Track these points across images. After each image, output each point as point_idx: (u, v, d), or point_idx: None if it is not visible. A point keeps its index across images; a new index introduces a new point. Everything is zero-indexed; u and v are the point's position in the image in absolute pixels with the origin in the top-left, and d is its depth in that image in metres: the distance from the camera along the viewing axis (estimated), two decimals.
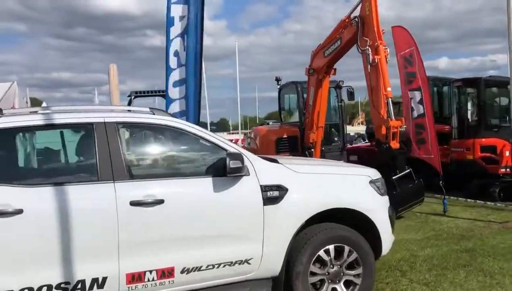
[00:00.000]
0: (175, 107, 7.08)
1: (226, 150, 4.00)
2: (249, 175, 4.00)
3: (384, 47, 7.93)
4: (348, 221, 4.39)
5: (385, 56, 7.89)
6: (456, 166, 10.63)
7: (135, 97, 11.16)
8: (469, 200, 9.57)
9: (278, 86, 12.27)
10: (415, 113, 9.05)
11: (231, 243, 3.95)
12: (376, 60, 7.84)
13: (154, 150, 4.18)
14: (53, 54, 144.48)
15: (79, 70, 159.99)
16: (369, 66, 8.06)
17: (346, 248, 4.28)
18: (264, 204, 4.01)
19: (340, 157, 11.28)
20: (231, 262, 3.93)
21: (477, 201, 9.40)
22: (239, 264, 3.96)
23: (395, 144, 7.78)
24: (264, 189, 4.02)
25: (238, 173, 3.84)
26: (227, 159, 3.78)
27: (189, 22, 6.96)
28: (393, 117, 7.78)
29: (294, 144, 10.88)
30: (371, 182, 4.52)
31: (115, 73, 17.12)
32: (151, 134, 4.15)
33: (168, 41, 7.26)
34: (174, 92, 7.10)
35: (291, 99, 12.12)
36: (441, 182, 8.67)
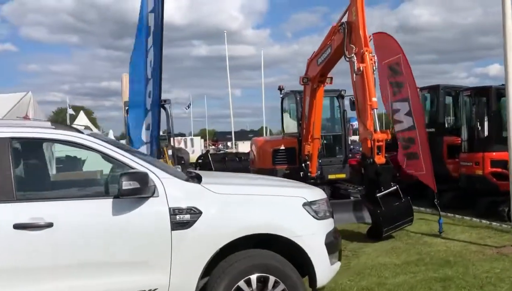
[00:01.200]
0: (149, 118, 6.87)
1: (132, 168, 3.67)
2: (157, 196, 3.65)
3: (371, 55, 7.39)
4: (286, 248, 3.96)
5: (372, 64, 7.35)
6: (465, 181, 9.86)
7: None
8: (474, 219, 8.79)
9: (281, 96, 11.84)
10: (403, 126, 8.37)
11: (133, 272, 3.60)
12: (362, 68, 7.32)
13: (48, 168, 3.90)
14: (103, 64, 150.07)
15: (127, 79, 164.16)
16: (354, 75, 7.55)
17: (271, 278, 3.84)
18: (172, 228, 3.64)
19: (342, 170, 10.72)
20: None
21: (483, 220, 8.61)
22: None
23: (379, 159, 7.21)
24: (173, 212, 3.65)
25: (135, 194, 3.50)
26: (120, 179, 3.44)
27: (155, 30, 6.73)
28: (378, 129, 7.22)
29: (292, 157, 10.41)
30: (305, 204, 4.05)
31: (127, 82, 17.20)
32: (48, 150, 3.87)
33: (145, 52, 7.07)
34: (149, 102, 6.88)
35: (293, 109, 11.66)
36: (435, 200, 7.98)
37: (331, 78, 9.58)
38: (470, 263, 6.04)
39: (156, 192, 3.64)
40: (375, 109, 7.27)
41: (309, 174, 9.87)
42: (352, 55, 7.49)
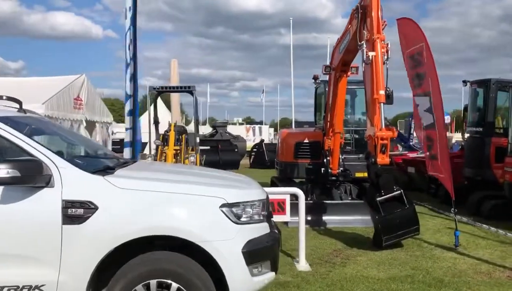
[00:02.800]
0: (129, 104, 6.73)
1: (32, 155, 3.47)
2: (52, 186, 3.41)
3: (383, 43, 6.62)
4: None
5: (383, 53, 6.58)
6: (508, 189, 8.67)
7: (160, 92, 11.03)
8: (509, 234, 7.69)
9: (315, 86, 11.19)
10: (424, 123, 7.44)
11: (19, 265, 3.40)
12: (371, 57, 6.60)
13: None
14: (194, 51, 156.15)
15: (216, 67, 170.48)
16: (363, 65, 6.83)
17: (174, 285, 3.47)
18: (64, 222, 3.39)
19: None
20: (18, 287, 3.39)
21: None
22: (28, 290, 3.39)
23: (383, 159, 6.46)
24: (66, 205, 3.40)
25: (15, 183, 3.27)
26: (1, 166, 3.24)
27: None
28: (383, 126, 6.46)
29: (316, 151, 9.77)
30: (224, 206, 3.61)
31: (175, 68, 17.42)
32: None
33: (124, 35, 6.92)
34: (130, 87, 6.73)
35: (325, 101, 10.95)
36: (452, 209, 7.02)
37: (357, 68, 8.80)
38: (465, 285, 5.21)
39: (52, 181, 3.41)
40: (382, 104, 6.52)
41: (330, 171, 9.24)
42: (362, 42, 6.77)
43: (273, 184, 10.90)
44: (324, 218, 8.50)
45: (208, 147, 17.54)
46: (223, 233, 3.57)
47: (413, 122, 14.96)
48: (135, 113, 6.65)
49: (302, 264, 5.95)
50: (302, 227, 6.07)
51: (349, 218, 8.27)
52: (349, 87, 9.76)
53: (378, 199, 6.42)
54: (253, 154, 22.88)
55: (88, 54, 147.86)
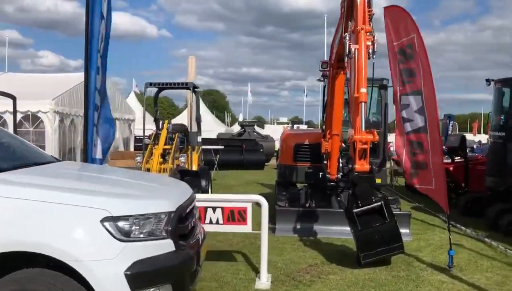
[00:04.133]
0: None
1: None
2: None
3: (368, 35, 5.87)
4: None
5: (367, 46, 5.83)
6: None
7: (161, 88, 10.68)
8: (509, 251, 6.73)
9: (323, 83, 10.42)
10: (410, 126, 6.52)
11: None
12: (353, 50, 5.87)
13: None
14: (244, 51, 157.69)
15: (266, 66, 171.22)
16: (346, 59, 6.10)
17: None
18: None
19: (377, 174, 9.05)
20: None
21: None
22: None
23: (361, 166, 5.72)
24: None
25: None
26: None
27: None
28: (363, 128, 5.71)
29: (317, 153, 9.05)
30: (107, 219, 3.08)
31: (193, 65, 17.08)
32: None
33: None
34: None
35: None
36: (447, 224, 6.14)
37: None
38: None
39: None
40: (363, 103, 5.78)
41: (328, 176, 8.51)
42: (346, 34, 6.05)
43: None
44: (315, 227, 7.82)
45: (222, 147, 17.05)
46: (100, 252, 3.04)
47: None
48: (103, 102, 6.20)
49: (263, 281, 5.34)
50: (265, 239, 5.44)
51: (341, 228, 7.52)
52: None
53: (355, 210, 5.69)
54: (275, 154, 22.28)
55: (142, 53, 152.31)
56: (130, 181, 3.98)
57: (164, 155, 8.84)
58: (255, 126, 25.89)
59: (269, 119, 73.10)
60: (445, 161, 12.50)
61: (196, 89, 10.72)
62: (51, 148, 12.48)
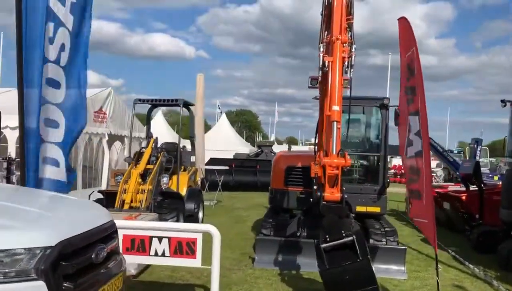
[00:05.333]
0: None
1: None
2: None
3: (345, 45, 5.21)
4: None
5: (342, 59, 5.17)
6: None
7: (154, 105, 10.23)
8: None
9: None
10: (410, 151, 5.75)
11: None
12: (327, 64, 5.22)
13: None
14: (280, 72, 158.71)
15: (300, 87, 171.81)
16: (319, 74, 5.45)
17: None
18: None
19: (376, 201, 8.26)
20: None
21: None
22: None
23: (331, 194, 4.99)
24: None
25: None
26: None
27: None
28: (334, 151, 5.01)
29: (310, 177, 8.33)
30: None
31: (201, 84, 16.70)
32: None
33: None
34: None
35: None
36: (436, 267, 5.28)
37: (348, 80, 7.31)
38: None
39: None
40: (335, 123, 5.08)
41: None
42: (320, 45, 5.42)
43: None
44: (299, 259, 7.07)
45: (227, 167, 16.48)
46: None
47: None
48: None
49: None
50: (215, 276, 4.77)
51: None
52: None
53: (323, 245, 4.95)
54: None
55: (180, 73, 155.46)
56: (8, 205, 3.38)
57: (145, 175, 8.32)
58: (273, 147, 25.24)
59: (299, 140, 72.18)
60: (459, 189, 11.56)
61: (190, 106, 10.24)
62: None
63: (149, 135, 10.05)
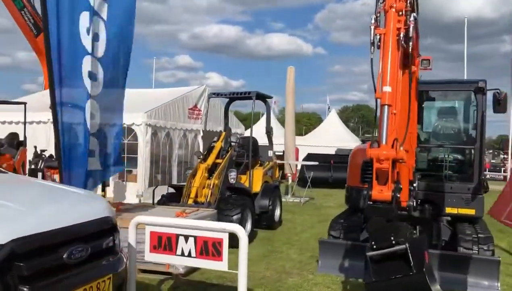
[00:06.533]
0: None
1: None
2: None
3: (400, 14, 4.34)
4: None
5: (398, 29, 4.32)
6: None
7: (232, 99, 9.96)
8: None
9: None
10: None
11: None
12: (378, 37, 4.40)
13: None
14: None
15: (426, 77, 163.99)
16: (371, 49, 4.60)
17: None
18: None
19: (470, 203, 7.02)
20: None
21: None
22: None
23: (379, 193, 4.16)
24: None
25: None
26: None
27: None
28: (384, 141, 4.16)
29: None
30: None
31: (292, 76, 16.15)
32: None
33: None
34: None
35: None
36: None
37: (429, 60, 6.29)
38: None
39: None
40: (386, 107, 4.24)
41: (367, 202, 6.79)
42: (372, 16, 4.57)
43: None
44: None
45: (317, 163, 15.67)
46: None
47: None
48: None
49: None
50: (242, 283, 4.23)
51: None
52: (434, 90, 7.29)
53: (369, 253, 4.14)
54: None
55: (299, 71, 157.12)
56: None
57: (213, 170, 8.05)
58: None
59: None
60: None
61: (266, 98, 9.78)
62: (143, 159, 12.64)
63: (226, 129, 9.79)
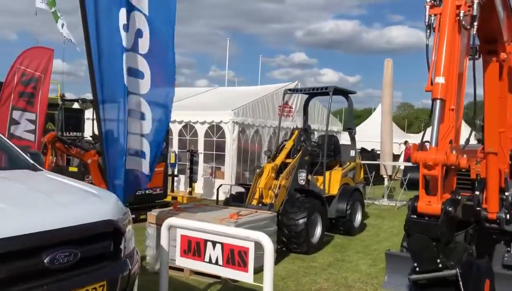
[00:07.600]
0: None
1: None
2: None
3: None
4: None
5: (456, 9, 3.58)
6: None
7: (312, 95, 9.43)
8: None
9: None
10: None
11: None
12: (434, 19, 3.70)
13: None
14: None
15: None
16: (426, 33, 3.86)
17: None
18: None
19: None
20: None
21: None
22: None
23: (427, 206, 3.44)
24: None
25: None
26: None
27: None
28: (434, 143, 3.45)
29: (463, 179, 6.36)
30: None
31: (389, 69, 15.08)
32: None
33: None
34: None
35: None
36: None
37: None
38: None
39: None
40: (438, 101, 3.52)
41: (484, 213, 5.84)
42: None
43: None
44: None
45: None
46: None
47: None
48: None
49: None
50: None
51: None
52: None
53: (412, 277, 3.45)
54: None
55: (416, 64, 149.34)
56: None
57: (282, 170, 7.64)
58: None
59: None
60: None
61: (348, 94, 9.10)
62: (230, 157, 12.67)
63: (305, 127, 9.34)
